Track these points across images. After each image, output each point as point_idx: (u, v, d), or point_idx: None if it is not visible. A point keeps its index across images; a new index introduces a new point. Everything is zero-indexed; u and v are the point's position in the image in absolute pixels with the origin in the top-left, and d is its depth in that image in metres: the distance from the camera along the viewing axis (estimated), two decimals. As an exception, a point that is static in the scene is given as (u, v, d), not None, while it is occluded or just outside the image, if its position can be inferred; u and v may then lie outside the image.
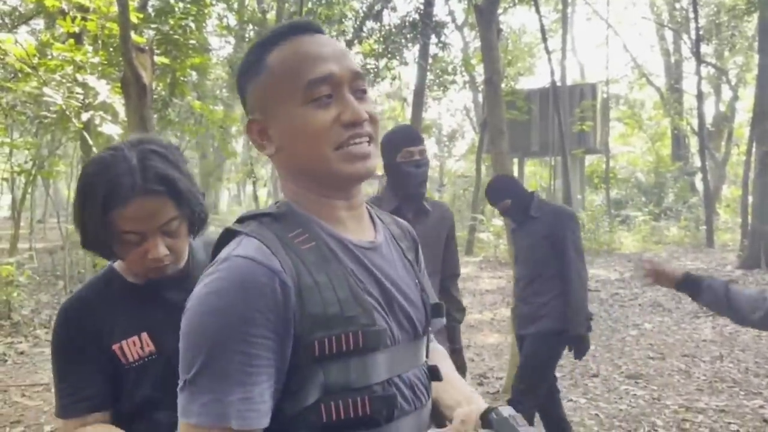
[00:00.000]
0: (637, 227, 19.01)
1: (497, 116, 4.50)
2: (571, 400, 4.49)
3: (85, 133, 7.26)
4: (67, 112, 6.89)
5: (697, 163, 20.42)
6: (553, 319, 3.10)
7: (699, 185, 20.91)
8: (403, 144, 2.39)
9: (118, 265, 1.32)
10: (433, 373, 1.02)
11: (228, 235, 0.91)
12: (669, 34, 25.34)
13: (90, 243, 1.23)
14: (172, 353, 1.19)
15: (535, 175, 34.45)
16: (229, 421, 0.77)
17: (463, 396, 1.07)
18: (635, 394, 4.70)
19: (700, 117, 14.32)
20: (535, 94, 22.08)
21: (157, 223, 1.19)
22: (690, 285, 2.10)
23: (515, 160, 28.89)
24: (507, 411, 0.92)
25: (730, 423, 4.02)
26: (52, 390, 4.79)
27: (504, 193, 3.25)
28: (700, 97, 14.72)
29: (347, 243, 0.93)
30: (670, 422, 4.11)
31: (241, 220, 0.93)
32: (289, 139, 0.90)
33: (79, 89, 6.90)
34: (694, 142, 24.01)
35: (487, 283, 10.13)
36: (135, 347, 1.25)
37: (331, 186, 0.92)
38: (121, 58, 6.96)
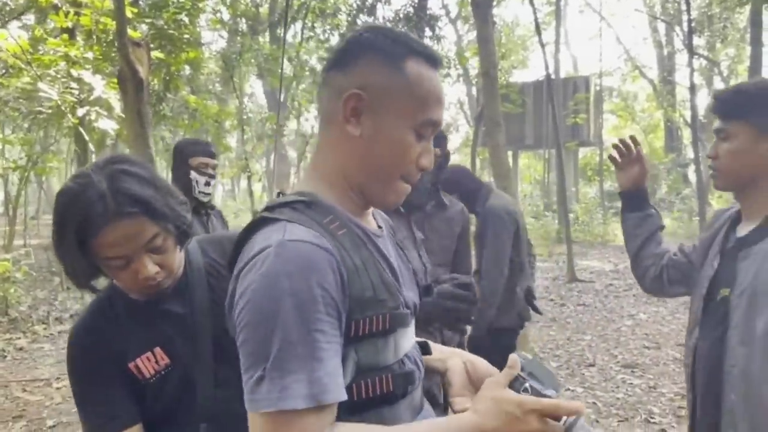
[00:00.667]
0: (630, 219, 19.14)
1: (494, 109, 4.53)
2: (569, 389, 4.55)
3: (81, 129, 7.24)
4: (63, 108, 6.87)
5: (690, 154, 20.51)
6: None
7: (692, 176, 21.04)
8: None
9: (119, 284, 1.30)
10: (424, 349, 1.11)
11: (261, 222, 0.93)
12: (661, 27, 25.42)
13: (73, 276, 1.20)
14: (187, 361, 1.24)
15: (529, 167, 34.57)
16: (324, 398, 0.81)
17: (448, 351, 1.16)
18: (632, 383, 4.76)
19: (693, 109, 14.37)
20: (528, 87, 22.11)
21: (139, 243, 1.15)
22: (642, 196, 1.89)
23: (509, 153, 29.02)
24: (529, 355, 0.98)
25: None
26: (53, 385, 4.83)
27: (454, 186, 2.98)
28: (692, 88, 14.77)
29: (367, 231, 0.99)
30: (666, 410, 4.17)
31: (271, 208, 0.94)
32: (382, 142, 0.96)
33: (74, 84, 6.89)
34: (686, 134, 24.13)
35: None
36: (150, 363, 1.25)
37: (369, 197, 1.00)
38: (115, 53, 6.96)
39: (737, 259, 1.55)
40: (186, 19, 9.08)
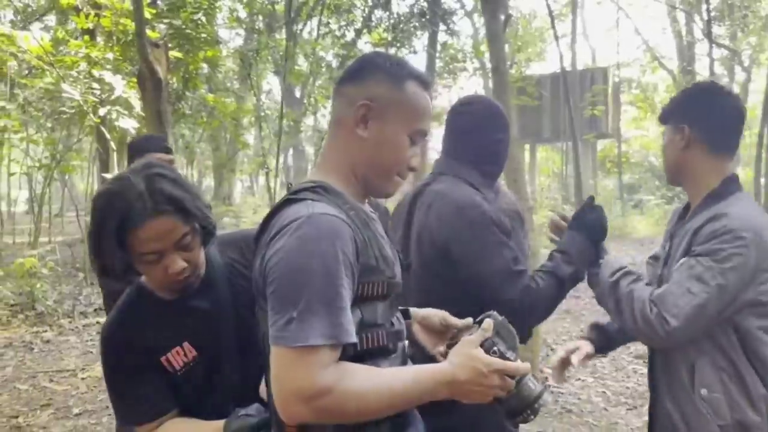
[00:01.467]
0: (649, 211, 18.99)
1: (504, 104, 4.59)
2: (579, 379, 4.62)
3: (102, 128, 7.42)
4: (85, 108, 7.05)
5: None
6: None
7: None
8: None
9: (147, 282, 1.40)
10: (405, 314, 1.36)
11: (288, 202, 1.13)
12: (681, 16, 25.10)
13: (110, 271, 1.29)
14: (213, 353, 1.37)
15: (547, 161, 34.36)
16: (343, 338, 1.02)
17: (424, 310, 1.42)
18: (642, 373, 4.80)
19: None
20: (546, 79, 22.02)
21: (172, 240, 1.26)
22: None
23: (527, 147, 28.88)
24: (498, 316, 1.18)
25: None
26: (78, 375, 5.00)
27: None
28: (712, 78, 14.61)
29: (368, 213, 1.23)
30: (675, 399, 4.23)
31: (296, 192, 1.16)
32: (385, 144, 1.20)
33: (95, 85, 7.06)
34: (707, 125, 23.85)
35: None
36: (180, 356, 1.36)
37: (371, 188, 1.25)
38: (134, 54, 7.13)
39: (673, 239, 1.77)
40: (203, 19, 9.24)
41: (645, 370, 4.87)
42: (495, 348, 1.11)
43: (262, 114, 17.38)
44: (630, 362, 5.13)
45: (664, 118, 1.81)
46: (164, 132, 5.50)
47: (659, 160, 25.29)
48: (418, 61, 14.64)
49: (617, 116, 23.87)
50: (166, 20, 8.62)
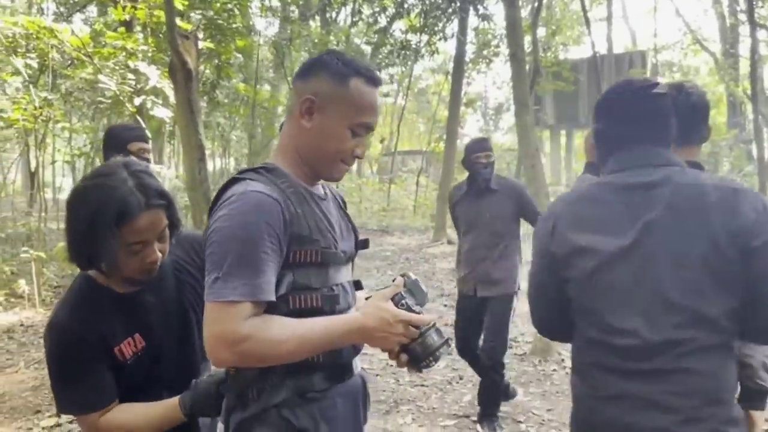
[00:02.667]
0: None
1: (521, 90, 4.65)
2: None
3: (138, 117, 7.68)
4: (121, 98, 7.32)
5: (755, 130, 19.70)
6: (513, 282, 3.61)
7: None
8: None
9: (98, 278, 1.46)
10: (357, 284, 1.51)
11: (232, 181, 1.31)
12: (724, -3, 24.34)
13: (93, 260, 1.37)
14: (159, 344, 1.51)
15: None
16: (258, 296, 1.18)
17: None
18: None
19: (754, 82, 13.81)
20: (582, 63, 21.68)
21: (157, 231, 1.39)
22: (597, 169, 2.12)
23: (563, 132, 28.50)
24: (414, 276, 1.37)
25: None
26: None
27: (489, 145, 3.74)
28: (754, 61, 14.21)
29: (312, 193, 1.38)
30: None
31: (242, 172, 1.33)
32: (325, 134, 1.33)
33: (131, 75, 7.32)
34: (750, 109, 23.15)
35: (527, 255, 10.24)
36: (130, 346, 1.46)
37: (317, 172, 1.38)
38: (168, 45, 7.35)
39: None
40: (236, 9, 9.43)
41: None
42: (403, 301, 1.29)
43: (296, 102, 17.56)
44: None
45: None
46: (194, 120, 5.70)
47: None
48: (453, 48, 14.58)
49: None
50: (198, 11, 8.86)
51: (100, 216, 1.32)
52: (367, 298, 1.38)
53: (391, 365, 4.91)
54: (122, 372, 1.46)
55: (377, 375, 4.68)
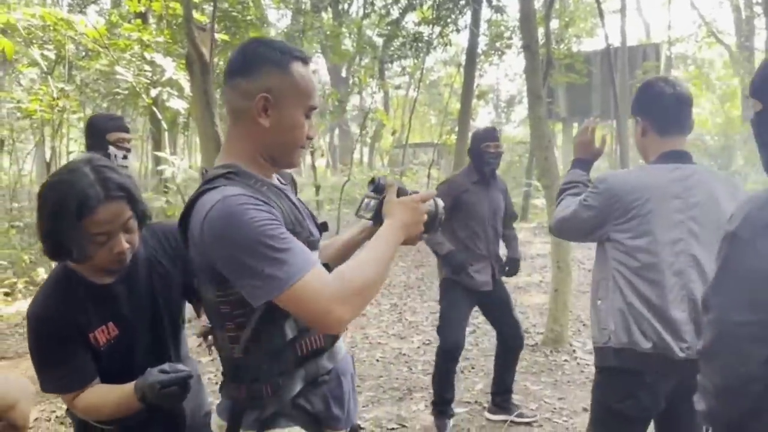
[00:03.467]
0: (700, 191, 18.50)
1: (535, 82, 4.68)
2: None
3: (154, 108, 7.77)
4: (137, 89, 7.40)
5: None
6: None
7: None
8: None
9: (75, 269, 1.54)
10: (324, 226, 1.56)
11: (205, 191, 1.27)
12: (739, -11, 24.09)
13: (63, 251, 1.45)
14: (132, 333, 1.60)
15: (597, 139, 33.62)
16: (314, 263, 1.21)
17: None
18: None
19: (768, 75, 13.68)
20: (596, 56, 21.55)
21: (120, 223, 1.46)
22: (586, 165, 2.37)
23: (575, 125, 28.35)
24: (383, 177, 1.51)
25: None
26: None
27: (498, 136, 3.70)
28: (769, 54, 14.07)
29: (279, 186, 1.40)
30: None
31: (210, 180, 1.29)
32: (286, 127, 1.33)
33: (147, 67, 7.40)
34: (765, 102, 22.88)
35: (538, 248, 10.26)
36: (104, 334, 1.55)
37: (278, 163, 1.39)
38: (183, 37, 7.42)
39: None
40: (250, 1, 9.48)
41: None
42: (407, 190, 1.47)
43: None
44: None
45: (631, 110, 2.17)
46: (210, 112, 5.77)
47: (714, 139, 24.57)
48: (465, 40, 14.54)
49: (669, 93, 23.13)
50: (212, 2, 8.92)
51: (61, 210, 1.39)
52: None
53: (405, 354, 4.98)
54: (98, 360, 1.55)
55: (391, 363, 4.75)
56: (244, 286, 1.19)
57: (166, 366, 1.48)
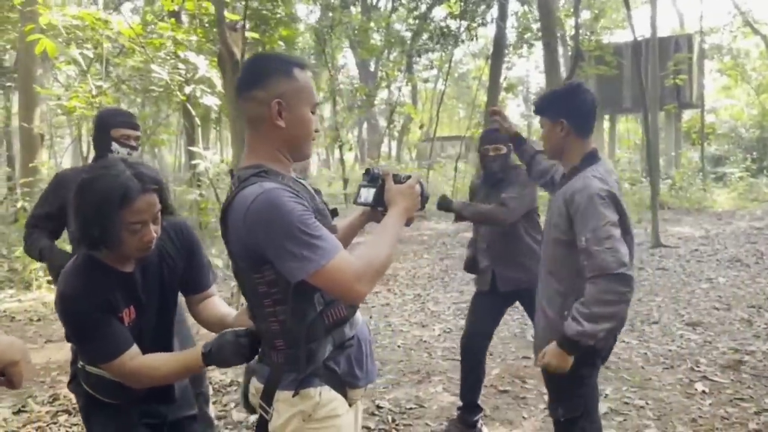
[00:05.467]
0: (733, 184, 18.22)
1: (554, 79, 4.79)
2: (624, 341, 4.83)
3: (188, 105, 8.04)
4: (172, 86, 7.67)
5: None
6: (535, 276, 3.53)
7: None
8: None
9: (101, 257, 1.70)
10: (334, 213, 1.76)
11: (241, 188, 1.47)
12: (776, -23, 23.51)
13: (100, 239, 1.59)
14: (144, 318, 1.81)
15: (628, 132, 33.18)
16: (338, 245, 1.44)
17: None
18: (689, 338, 4.95)
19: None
20: (626, 47, 21.31)
21: (153, 212, 1.63)
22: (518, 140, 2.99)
23: (606, 117, 28.03)
24: (375, 166, 1.66)
25: (778, 365, 4.23)
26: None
27: (501, 138, 3.36)
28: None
29: (302, 182, 1.62)
30: (714, 360, 4.39)
31: (245, 179, 1.49)
32: (300, 124, 1.56)
33: (181, 65, 7.66)
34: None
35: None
36: (128, 316, 1.72)
37: (295, 157, 1.62)
38: (215, 35, 7.66)
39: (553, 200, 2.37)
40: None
41: (692, 336, 5.00)
42: (400, 176, 1.67)
43: (336, 88, 17.80)
44: (679, 329, 5.26)
45: (539, 111, 2.39)
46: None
47: (749, 131, 24.08)
48: (490, 32, 14.56)
49: (701, 85, 22.75)
50: (243, 2, 9.15)
51: (106, 200, 1.56)
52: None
53: (425, 341, 5.16)
54: None
55: (411, 349, 4.93)
56: (284, 266, 1.42)
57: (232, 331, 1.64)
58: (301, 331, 1.53)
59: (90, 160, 3.12)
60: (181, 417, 1.98)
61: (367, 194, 1.72)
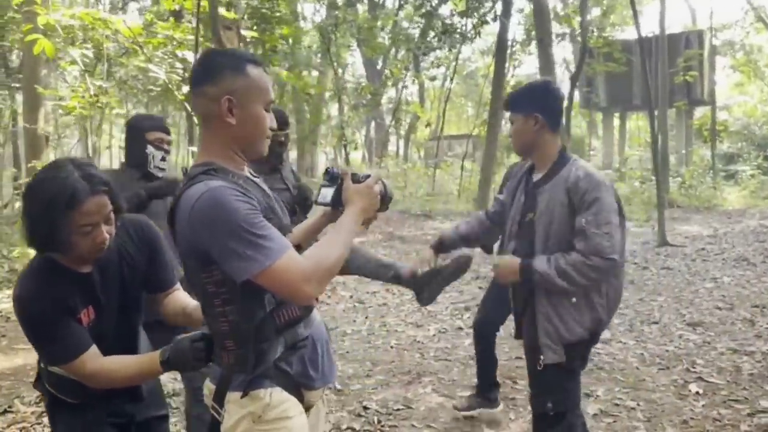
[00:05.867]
0: (744, 182, 17.97)
1: (549, 74, 4.71)
2: (620, 342, 4.73)
3: (186, 104, 8.04)
4: (170, 86, 7.68)
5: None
6: None
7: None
8: None
9: (58, 258, 1.67)
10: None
11: (188, 186, 1.44)
12: (789, -28, 23.18)
13: (50, 242, 1.58)
14: (103, 318, 1.77)
15: (639, 129, 32.86)
16: (287, 244, 1.40)
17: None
18: (688, 338, 4.84)
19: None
20: (636, 44, 21.08)
21: (103, 214, 1.61)
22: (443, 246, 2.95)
23: (616, 114, 27.80)
24: (334, 165, 1.60)
25: (777, 366, 4.12)
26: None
27: None
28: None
29: (252, 178, 1.59)
30: (711, 361, 4.28)
31: (192, 177, 1.46)
32: (251, 121, 1.51)
33: (178, 64, 7.67)
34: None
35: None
36: (86, 317, 1.70)
37: (249, 155, 1.57)
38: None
39: (536, 195, 2.35)
40: (280, -2, 9.65)
41: (691, 336, 4.89)
42: (360, 176, 1.62)
43: (342, 87, 17.78)
44: (679, 329, 5.15)
45: (511, 106, 2.40)
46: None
47: (762, 128, 23.74)
48: (496, 30, 14.45)
49: (712, 81, 22.47)
50: (243, 1, 9.14)
51: (53, 203, 1.53)
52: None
53: (419, 341, 5.09)
54: None
55: (404, 350, 4.87)
56: (228, 266, 1.38)
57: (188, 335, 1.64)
58: (250, 331, 1.49)
59: (119, 165, 3.24)
60: (149, 417, 1.95)
61: (326, 194, 1.68)
